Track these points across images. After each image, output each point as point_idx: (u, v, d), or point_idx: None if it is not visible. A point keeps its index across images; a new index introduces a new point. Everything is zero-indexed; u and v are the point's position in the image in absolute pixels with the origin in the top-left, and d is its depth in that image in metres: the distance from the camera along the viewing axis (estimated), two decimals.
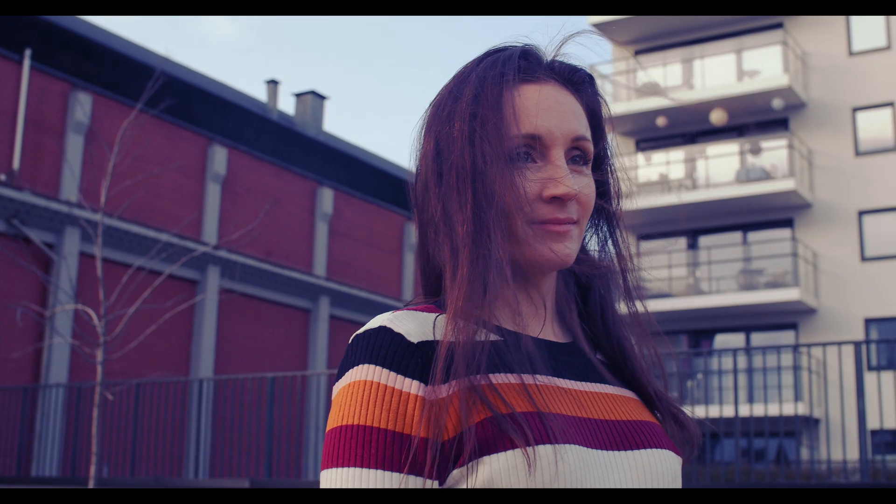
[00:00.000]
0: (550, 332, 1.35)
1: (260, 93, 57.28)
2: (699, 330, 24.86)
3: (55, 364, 18.49)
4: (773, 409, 17.04)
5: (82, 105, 19.65)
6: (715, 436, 20.63)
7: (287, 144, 27.14)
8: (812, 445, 12.74)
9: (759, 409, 14.63)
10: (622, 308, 1.44)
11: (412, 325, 1.23)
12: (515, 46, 1.37)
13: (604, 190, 1.42)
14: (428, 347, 1.21)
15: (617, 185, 1.44)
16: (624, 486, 1.22)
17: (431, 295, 1.36)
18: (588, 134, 1.33)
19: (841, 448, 11.59)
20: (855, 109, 24.48)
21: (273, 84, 30.40)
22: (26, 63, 19.02)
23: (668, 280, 24.93)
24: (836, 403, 20.08)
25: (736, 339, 24.42)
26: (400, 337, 1.21)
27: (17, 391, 15.53)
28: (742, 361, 15.69)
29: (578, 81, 1.37)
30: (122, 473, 14.39)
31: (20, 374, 18.26)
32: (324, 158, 28.51)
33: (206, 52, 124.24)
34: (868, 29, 24.61)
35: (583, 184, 1.31)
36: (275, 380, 12.68)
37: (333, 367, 25.18)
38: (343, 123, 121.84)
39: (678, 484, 1.31)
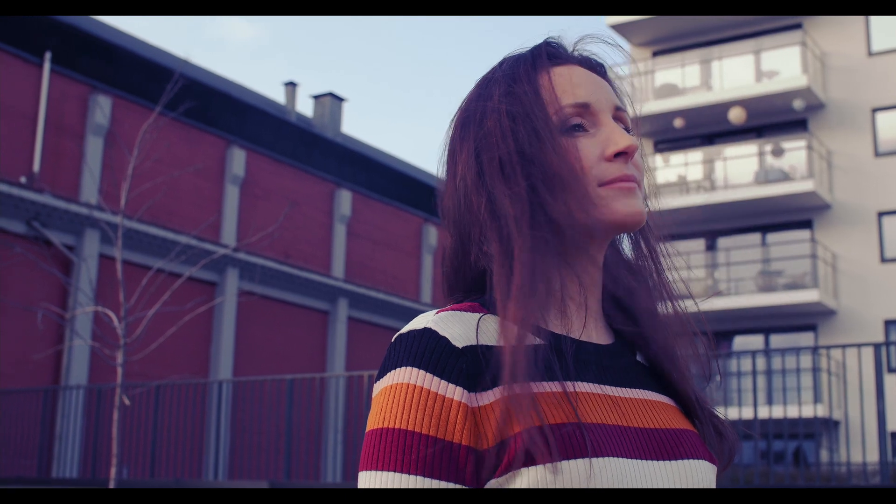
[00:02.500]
0: (593, 331, 1.33)
1: (278, 95, 57.36)
2: (718, 332, 24.74)
3: (75, 366, 18.58)
4: (792, 411, 16.97)
5: (102, 108, 19.74)
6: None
7: (305, 146, 27.20)
8: (831, 448, 12.68)
9: (778, 411, 14.58)
10: (666, 308, 1.43)
11: (457, 328, 1.21)
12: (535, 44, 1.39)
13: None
14: (472, 352, 1.19)
15: (647, 180, 1.43)
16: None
17: (470, 293, 1.34)
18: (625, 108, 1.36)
19: (861, 450, 11.55)
20: (874, 110, 24.38)
21: (291, 86, 30.47)
22: (46, 66, 19.13)
23: (686, 282, 24.84)
24: (855, 405, 19.99)
25: (755, 341, 24.33)
26: (445, 341, 1.19)
27: (38, 393, 15.61)
28: (761, 363, 15.63)
29: (601, 72, 1.40)
30: (142, 475, 14.45)
31: (41, 375, 18.36)
32: (342, 160, 28.55)
33: (224, 54, 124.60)
34: (887, 29, 24.50)
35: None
36: (293, 381, 12.71)
37: (352, 368, 25.22)
38: (361, 125, 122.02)
39: None
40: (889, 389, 14.44)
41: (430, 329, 1.21)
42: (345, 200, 26.22)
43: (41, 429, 14.96)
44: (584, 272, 1.32)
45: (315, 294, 24.96)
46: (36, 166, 18.78)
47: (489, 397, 1.17)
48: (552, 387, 1.20)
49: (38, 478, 14.42)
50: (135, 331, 12.04)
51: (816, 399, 20.44)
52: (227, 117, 24.40)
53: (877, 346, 10.05)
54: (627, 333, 1.41)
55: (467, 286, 1.35)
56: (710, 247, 25.62)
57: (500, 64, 1.38)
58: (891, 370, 16.15)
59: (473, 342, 1.20)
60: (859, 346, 10.36)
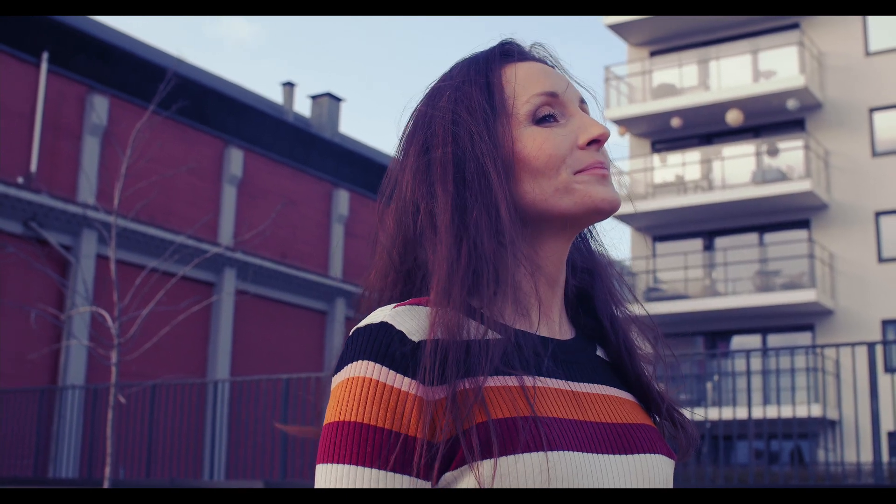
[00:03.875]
0: (556, 327, 1.34)
1: (276, 95, 57.37)
2: (715, 331, 24.79)
3: (72, 366, 18.58)
4: (788, 411, 16.98)
5: (99, 108, 19.75)
6: (729, 438, 20.58)
7: (303, 146, 27.20)
8: (827, 447, 12.70)
9: (774, 411, 14.59)
10: (632, 308, 1.45)
11: (413, 322, 1.22)
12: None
13: None
14: (428, 346, 1.19)
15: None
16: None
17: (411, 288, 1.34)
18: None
19: (856, 450, 11.54)
20: (872, 110, 24.38)
21: (289, 86, 30.47)
22: (43, 66, 19.13)
23: (684, 281, 24.87)
24: (852, 405, 19.98)
25: (752, 341, 24.33)
26: (401, 335, 1.20)
27: (34, 393, 15.61)
28: (757, 363, 15.64)
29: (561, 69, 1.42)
30: (138, 475, 14.46)
31: (38, 376, 18.36)
32: (339, 160, 28.55)
33: (223, 54, 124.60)
34: (885, 29, 24.51)
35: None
36: (289, 381, 12.72)
37: None
38: (359, 125, 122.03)
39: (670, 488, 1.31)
40: (885, 389, 14.46)
41: (386, 323, 1.22)
42: (342, 200, 26.22)
43: (37, 429, 14.96)
44: (544, 268, 1.33)
45: (313, 294, 24.97)
46: (33, 166, 18.78)
47: (443, 391, 1.17)
48: (509, 381, 1.21)
49: (35, 478, 14.42)
50: (129, 330, 12.04)
51: (813, 399, 20.44)
52: (224, 117, 24.39)
53: (870, 345, 10.06)
54: (588, 329, 1.42)
55: (399, 278, 1.35)
56: (708, 246, 25.63)
57: (451, 69, 1.39)
58: (888, 370, 16.14)
59: (428, 336, 1.21)
60: (853, 345, 10.38)
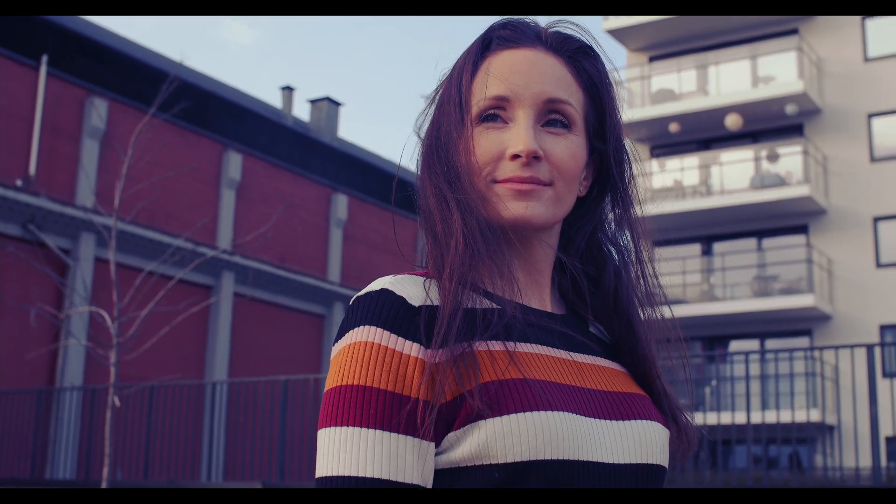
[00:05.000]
0: (545, 302, 1.37)
1: (275, 99, 57.46)
2: (713, 336, 24.79)
3: (70, 367, 18.57)
4: (787, 416, 16.97)
5: (98, 110, 19.75)
6: (727, 442, 20.57)
7: (302, 150, 27.20)
8: (825, 453, 12.70)
9: (772, 416, 14.59)
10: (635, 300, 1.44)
11: (413, 288, 1.25)
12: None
13: (612, 164, 1.41)
14: (428, 311, 1.22)
15: (626, 157, 1.43)
16: (614, 454, 1.24)
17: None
18: (570, 98, 1.34)
19: (855, 455, 11.54)
20: (870, 115, 24.41)
21: (288, 90, 30.49)
22: (43, 69, 19.14)
23: (682, 286, 24.88)
24: (850, 410, 19.99)
25: (750, 346, 24.31)
26: (402, 300, 1.23)
27: (32, 394, 15.60)
28: (755, 368, 15.63)
29: (573, 51, 1.38)
30: (136, 476, 14.44)
31: (36, 377, 18.35)
32: (338, 164, 28.56)
33: (223, 58, 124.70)
34: (883, 34, 24.54)
35: (556, 146, 1.31)
36: (287, 383, 12.72)
37: None
38: (358, 130, 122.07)
39: (666, 455, 1.32)
40: (884, 394, 14.45)
41: (387, 289, 1.24)
42: (341, 204, 26.23)
43: (35, 430, 14.95)
44: (532, 250, 1.35)
45: (311, 298, 24.96)
46: (32, 169, 18.78)
47: (444, 354, 1.19)
48: (509, 346, 1.23)
49: (32, 479, 14.40)
50: (128, 330, 12.04)
51: (812, 403, 20.44)
52: (223, 121, 24.40)
53: (869, 347, 10.04)
54: (596, 311, 1.43)
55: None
56: (706, 252, 25.64)
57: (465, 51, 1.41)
58: (886, 375, 16.14)
59: (428, 302, 1.23)
60: (852, 346, 10.37)
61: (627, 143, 1.44)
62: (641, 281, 1.44)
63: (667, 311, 1.45)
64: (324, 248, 25.96)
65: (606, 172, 1.42)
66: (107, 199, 17.79)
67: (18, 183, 18.47)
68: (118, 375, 11.12)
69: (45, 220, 18.50)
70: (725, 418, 17.73)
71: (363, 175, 29.38)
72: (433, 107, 1.39)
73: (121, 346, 11.00)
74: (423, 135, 1.39)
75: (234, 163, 23.01)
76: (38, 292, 17.95)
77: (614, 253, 1.45)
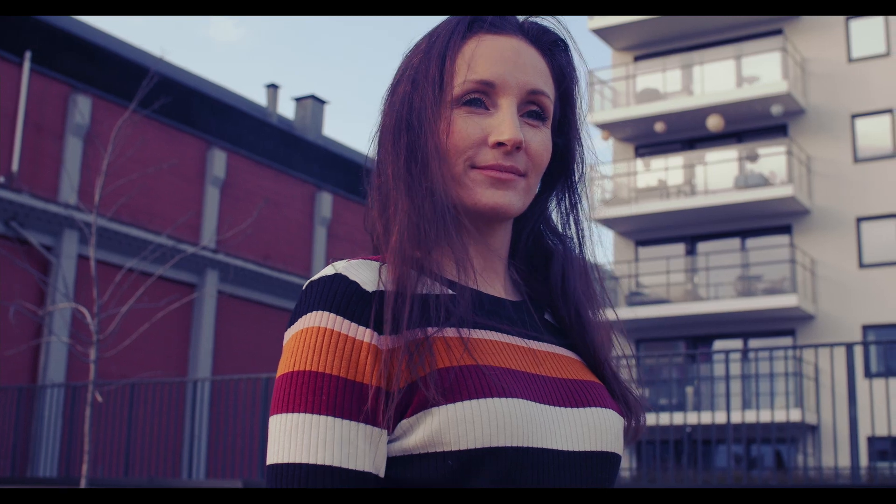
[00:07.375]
0: (501, 289, 1.36)
1: (260, 97, 57.36)
2: (697, 336, 24.85)
3: (52, 365, 18.50)
4: (768, 416, 17.02)
5: (82, 108, 19.68)
6: (708, 442, 20.61)
7: (286, 148, 27.16)
8: (806, 452, 12.74)
9: (753, 416, 14.63)
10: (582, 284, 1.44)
11: (367, 273, 1.23)
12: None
13: (568, 159, 1.42)
14: (382, 297, 1.21)
15: (581, 153, 1.43)
16: (568, 441, 1.23)
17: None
18: (549, 91, 1.33)
19: (834, 455, 11.59)
20: (854, 116, 24.50)
21: (273, 88, 30.43)
22: (26, 65, 19.06)
23: (666, 286, 24.93)
24: (830, 409, 20.05)
25: (734, 346, 24.38)
26: (355, 285, 1.21)
27: (13, 391, 15.53)
28: (736, 368, 15.68)
29: (549, 43, 1.38)
30: (117, 474, 14.39)
31: (18, 375, 18.27)
32: (323, 163, 28.52)
33: (209, 55, 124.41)
34: (867, 35, 24.63)
35: (534, 138, 1.31)
36: (269, 380, 12.70)
37: None
38: (343, 128, 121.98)
39: (620, 443, 1.32)
40: (866, 394, 14.48)
41: (340, 274, 1.23)
42: (325, 203, 26.19)
43: (16, 427, 14.88)
44: (488, 232, 1.34)
45: (295, 296, 24.90)
46: (15, 166, 18.70)
47: (397, 341, 1.18)
48: (463, 332, 1.22)
49: (12, 477, 14.34)
50: (108, 327, 12.00)
51: (793, 403, 20.50)
52: (207, 118, 24.34)
53: (849, 346, 10.08)
54: (543, 296, 1.43)
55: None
56: (690, 251, 25.69)
57: (435, 28, 1.37)
58: (868, 374, 16.20)
59: (381, 287, 1.22)
60: (832, 345, 10.39)
61: (587, 140, 1.44)
62: (584, 277, 1.43)
63: (610, 312, 1.45)
64: (308, 246, 25.92)
65: (560, 166, 1.42)
66: (89, 196, 17.73)
67: (1, 180, 18.39)
68: (100, 372, 11.09)
69: (28, 217, 18.43)
70: (707, 418, 17.80)
71: (348, 173, 29.34)
72: (401, 83, 1.35)
73: (101, 343, 10.96)
74: (387, 107, 1.36)
75: (218, 160, 22.96)
76: (19, 289, 17.88)
77: (559, 245, 1.44)
